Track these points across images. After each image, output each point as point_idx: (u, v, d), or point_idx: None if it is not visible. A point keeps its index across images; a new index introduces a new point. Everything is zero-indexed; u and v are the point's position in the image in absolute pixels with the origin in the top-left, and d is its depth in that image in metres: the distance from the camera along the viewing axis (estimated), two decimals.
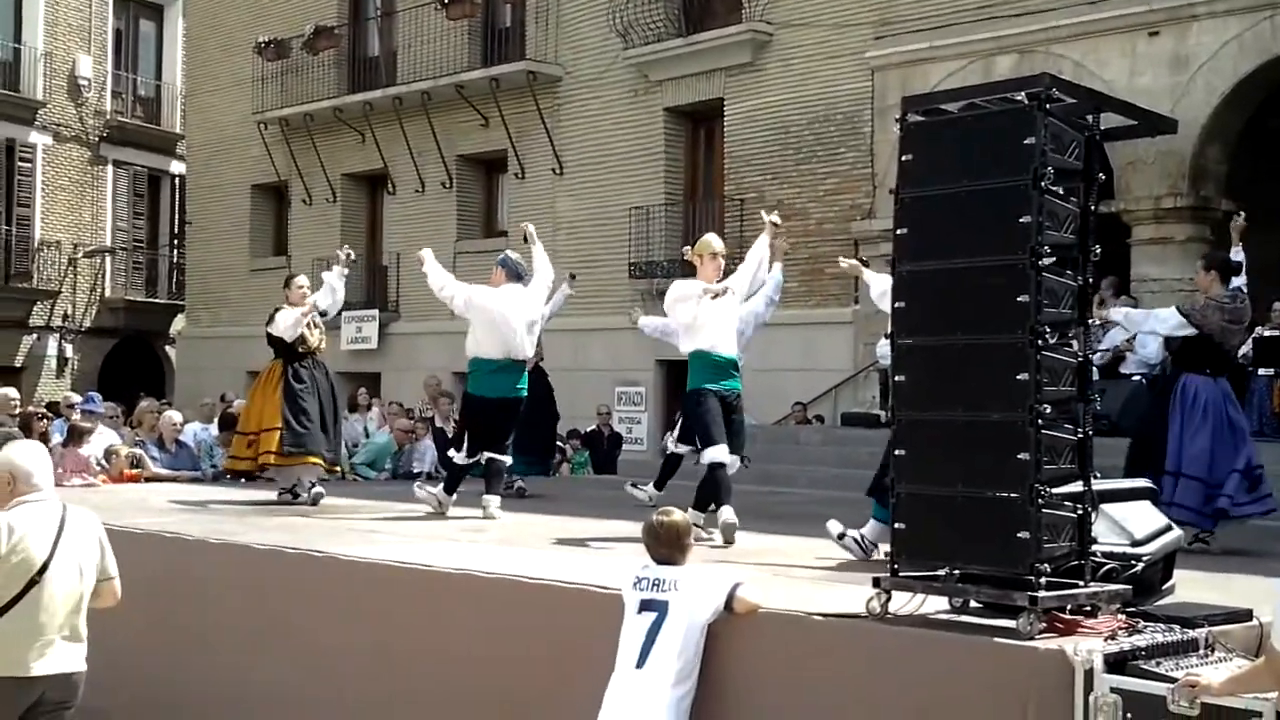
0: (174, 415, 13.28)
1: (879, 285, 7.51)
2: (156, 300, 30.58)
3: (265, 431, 10.23)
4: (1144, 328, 8.90)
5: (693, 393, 8.26)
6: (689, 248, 8.84)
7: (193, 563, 7.82)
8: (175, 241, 30.81)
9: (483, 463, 9.58)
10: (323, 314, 10.59)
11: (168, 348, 29.94)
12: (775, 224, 9.04)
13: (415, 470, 13.82)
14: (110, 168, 29.98)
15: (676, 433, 9.84)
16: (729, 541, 7.74)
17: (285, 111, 24.28)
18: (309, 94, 24.00)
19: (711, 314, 8.24)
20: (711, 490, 8.06)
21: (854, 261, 9.10)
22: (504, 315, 9.44)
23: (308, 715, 6.86)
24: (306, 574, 7.15)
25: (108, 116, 29.72)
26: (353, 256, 10.82)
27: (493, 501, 9.36)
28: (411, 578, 6.64)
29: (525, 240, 10.19)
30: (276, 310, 10.48)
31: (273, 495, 10.44)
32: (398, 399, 17.80)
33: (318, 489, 10.16)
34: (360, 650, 6.69)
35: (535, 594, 6.05)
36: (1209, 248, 14.57)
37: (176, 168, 30.30)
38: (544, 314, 10.56)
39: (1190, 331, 8.41)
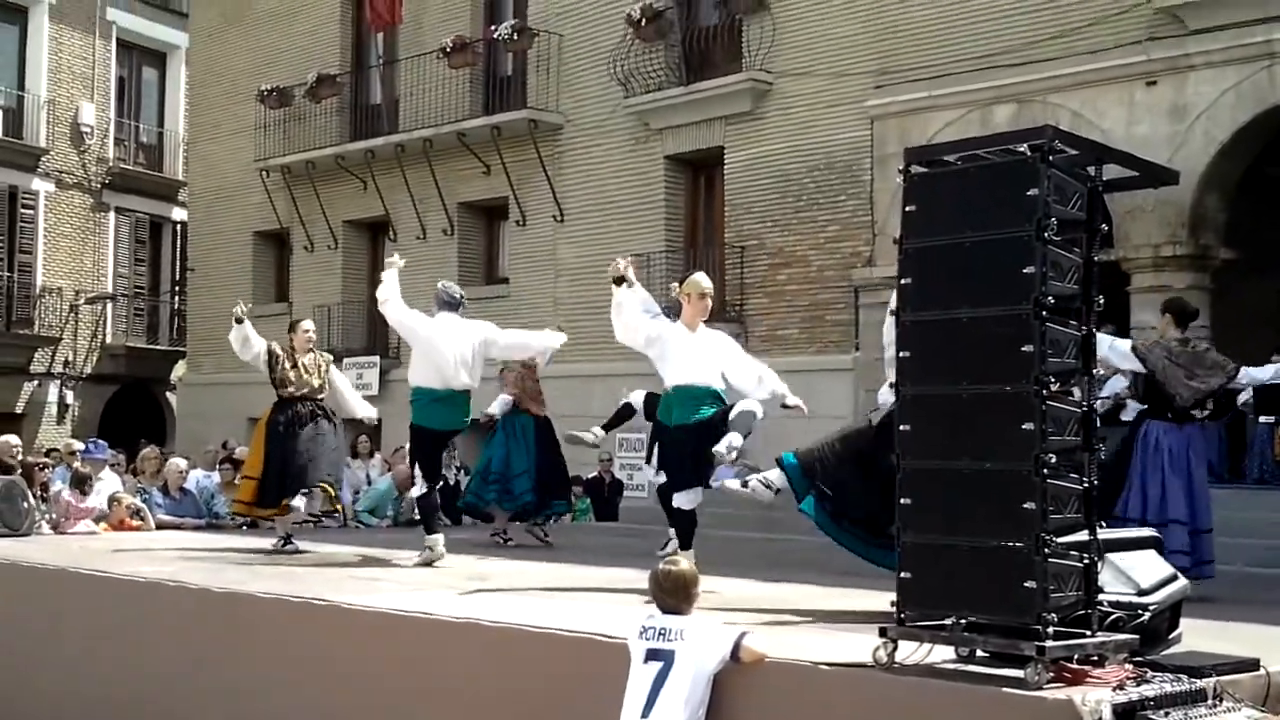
0: (179, 462, 13.31)
1: None
2: (158, 347, 30.62)
3: (244, 479, 10.28)
4: (1101, 352, 8.83)
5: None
6: (676, 284, 8.78)
7: (195, 612, 7.80)
8: (176, 288, 30.87)
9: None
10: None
11: (169, 394, 29.93)
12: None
13: (417, 517, 13.78)
14: (112, 214, 30.10)
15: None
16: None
17: (287, 159, 24.38)
18: (311, 141, 24.11)
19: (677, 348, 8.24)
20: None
21: None
22: (432, 341, 9.40)
23: None
24: (310, 623, 7.13)
25: (110, 163, 29.86)
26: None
27: (437, 541, 9.33)
28: (415, 626, 6.63)
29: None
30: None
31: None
32: (399, 445, 17.77)
33: (290, 541, 10.25)
34: (363, 699, 6.67)
35: (540, 643, 6.04)
36: (1209, 296, 14.64)
37: (178, 214, 30.41)
38: (540, 365, 11.12)
39: (1136, 366, 8.48)
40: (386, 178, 22.81)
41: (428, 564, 9.19)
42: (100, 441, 12.80)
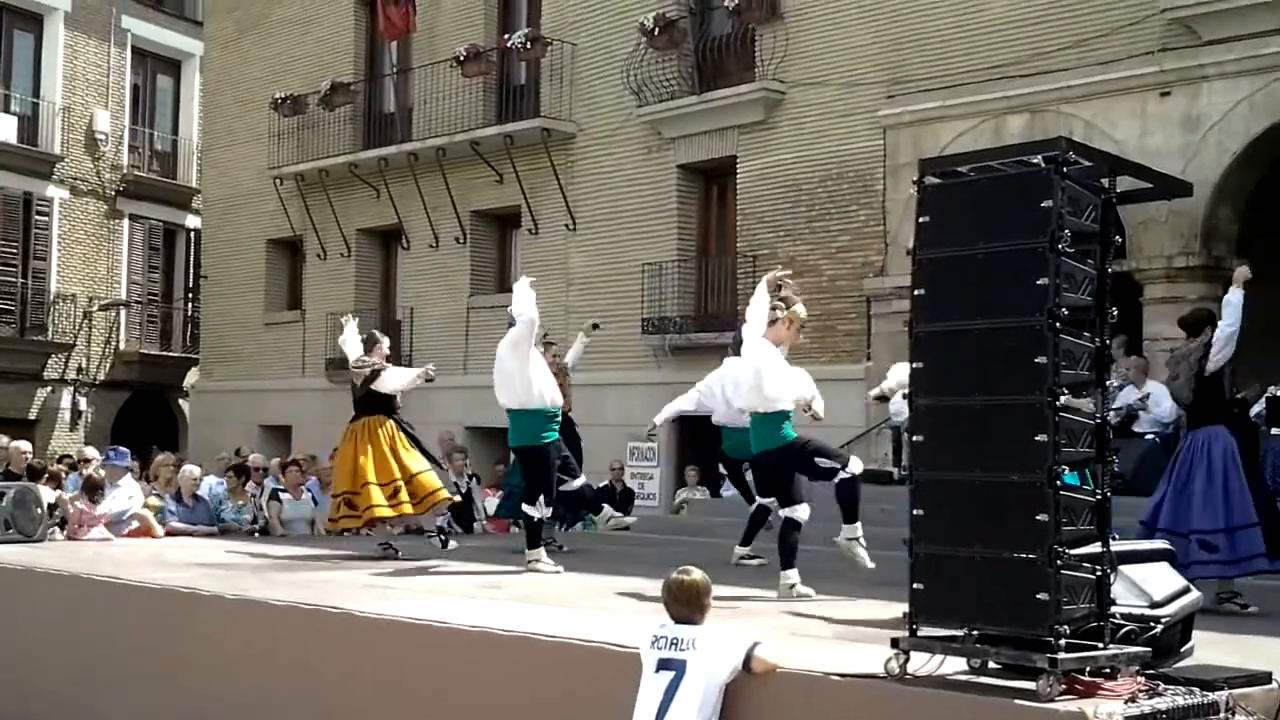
0: (193, 469, 13.35)
1: None
2: (170, 354, 30.70)
3: (406, 480, 10.39)
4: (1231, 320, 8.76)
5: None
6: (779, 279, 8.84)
7: (208, 619, 7.83)
8: (190, 295, 30.97)
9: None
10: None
11: (181, 401, 30.02)
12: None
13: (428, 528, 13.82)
14: (126, 221, 30.19)
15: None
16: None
17: (301, 167, 24.44)
18: (325, 150, 24.17)
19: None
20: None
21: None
22: (545, 367, 9.73)
23: None
24: (323, 630, 7.15)
25: (124, 171, 29.96)
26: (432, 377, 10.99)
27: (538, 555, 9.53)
28: (428, 635, 6.66)
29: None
30: (370, 368, 10.53)
31: (288, 550, 10.49)
32: None
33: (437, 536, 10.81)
34: (375, 707, 6.69)
35: (552, 652, 6.06)
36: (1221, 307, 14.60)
37: (192, 222, 30.50)
38: (570, 363, 11.47)
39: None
40: (400, 186, 22.86)
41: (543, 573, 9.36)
42: (122, 449, 12.82)
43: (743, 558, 9.85)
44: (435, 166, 22.10)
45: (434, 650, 6.58)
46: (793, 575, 8.11)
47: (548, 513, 9.67)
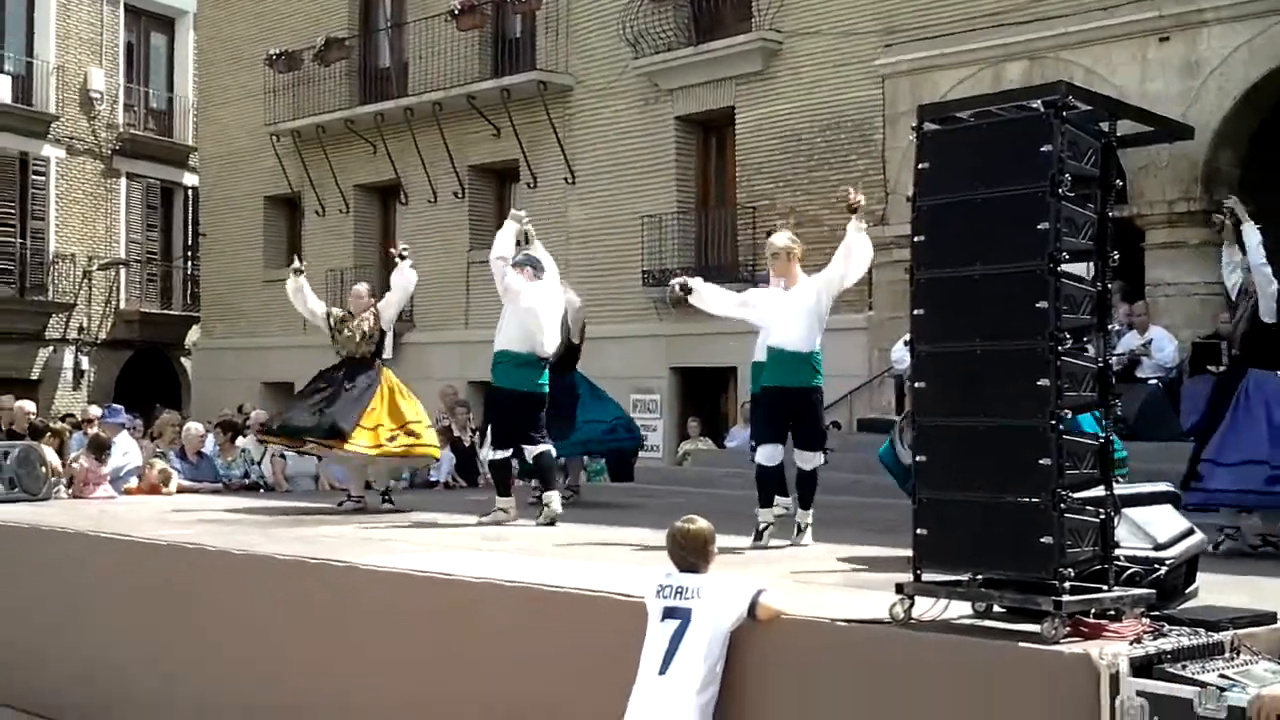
0: (197, 427, 13.38)
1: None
2: (171, 312, 30.69)
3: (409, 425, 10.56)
4: (1256, 260, 8.60)
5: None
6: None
7: (215, 574, 7.86)
8: (189, 253, 30.93)
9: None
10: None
11: (184, 359, 30.04)
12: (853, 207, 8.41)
13: (432, 479, 13.89)
14: (123, 180, 30.11)
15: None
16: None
17: (297, 123, 24.36)
18: (320, 105, 24.08)
19: (772, 309, 8.28)
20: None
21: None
22: (536, 311, 9.49)
23: None
24: (328, 584, 7.18)
25: (120, 129, 29.85)
26: (405, 251, 11.03)
27: (553, 498, 9.45)
28: (432, 587, 6.67)
29: (526, 241, 10.14)
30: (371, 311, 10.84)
31: (293, 503, 10.55)
32: None
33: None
34: (381, 660, 6.73)
35: (558, 602, 6.08)
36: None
37: (189, 180, 30.42)
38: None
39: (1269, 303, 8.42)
40: (396, 141, 22.78)
41: (497, 524, 9.32)
42: (117, 406, 12.85)
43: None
44: (432, 121, 22.01)
45: (438, 602, 6.59)
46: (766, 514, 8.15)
47: (499, 456, 9.62)
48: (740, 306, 8.60)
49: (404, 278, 10.92)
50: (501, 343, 9.56)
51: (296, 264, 10.99)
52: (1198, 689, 4.15)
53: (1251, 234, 8.48)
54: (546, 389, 9.66)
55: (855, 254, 8.09)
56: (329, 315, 10.84)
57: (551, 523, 9.24)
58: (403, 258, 10.90)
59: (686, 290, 8.48)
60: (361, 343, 10.72)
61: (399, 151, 22.80)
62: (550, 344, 9.59)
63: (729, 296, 8.71)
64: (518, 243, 9.93)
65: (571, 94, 20.82)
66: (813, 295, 8.15)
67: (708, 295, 8.52)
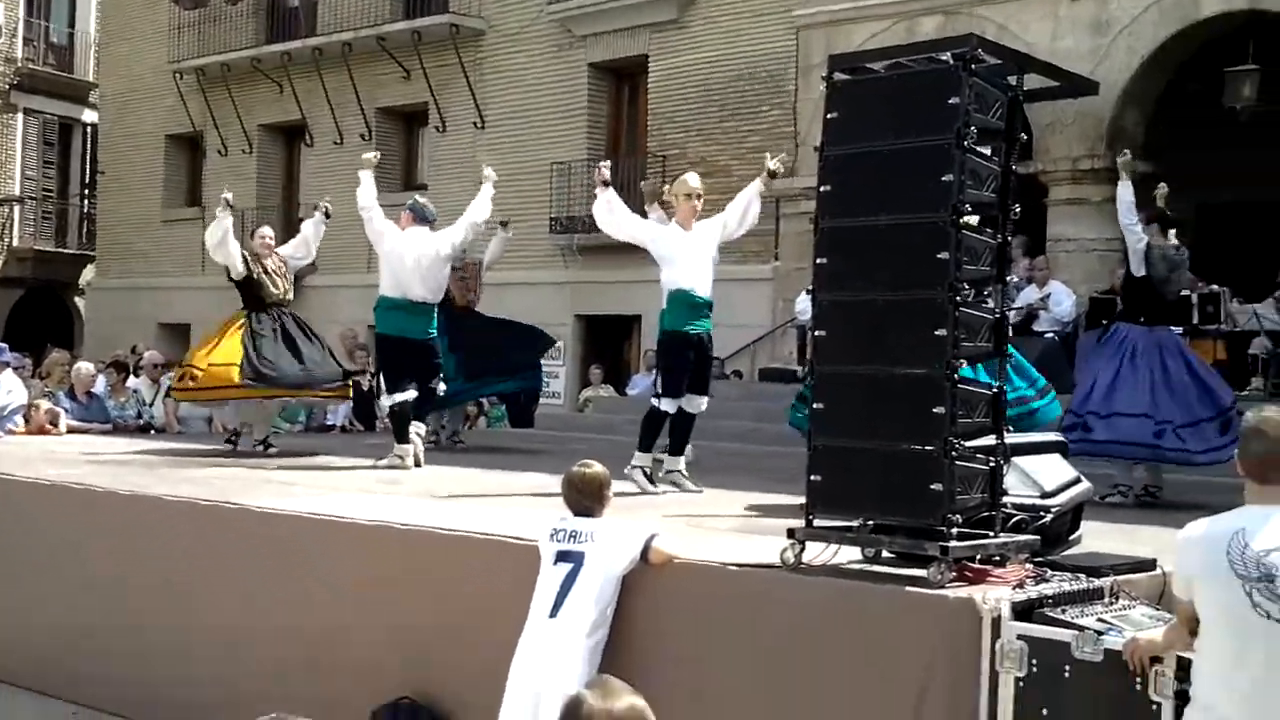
0: (87, 366, 13.07)
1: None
2: (66, 250, 30.00)
3: (221, 366, 10.19)
4: (1125, 220, 8.78)
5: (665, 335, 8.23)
6: (665, 186, 8.70)
7: (101, 515, 7.70)
8: (86, 191, 30.20)
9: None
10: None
11: (77, 299, 29.40)
12: (774, 173, 8.46)
13: (329, 423, 13.76)
14: (20, 116, 29.31)
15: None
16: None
17: (202, 61, 23.88)
18: (226, 44, 23.61)
19: (681, 250, 8.20)
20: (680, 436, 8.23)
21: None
22: (401, 256, 9.50)
23: (218, 669, 6.79)
24: (220, 526, 7.06)
25: (19, 64, 29.03)
26: (329, 209, 10.79)
27: (405, 451, 9.36)
28: (327, 530, 6.59)
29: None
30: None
31: (185, 445, 10.36)
32: None
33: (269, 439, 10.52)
34: (273, 602, 6.64)
35: (451, 545, 6.04)
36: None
37: (89, 116, 29.67)
38: (484, 261, 11.41)
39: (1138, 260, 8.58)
40: (304, 81, 22.41)
41: (392, 468, 9.23)
42: (2, 345, 12.48)
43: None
44: (340, 62, 21.67)
45: (333, 545, 6.51)
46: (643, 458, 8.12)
47: (397, 400, 9.52)
48: (644, 231, 8.47)
49: (316, 231, 10.70)
50: (381, 289, 9.61)
51: (228, 195, 10.57)
52: (1075, 633, 4.21)
53: (1125, 191, 8.61)
54: (428, 334, 9.63)
55: (751, 213, 8.33)
56: (245, 259, 10.43)
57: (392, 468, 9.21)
58: (328, 216, 10.67)
59: (605, 183, 8.42)
60: (289, 288, 10.56)
61: (306, 92, 22.43)
62: (422, 289, 9.54)
63: (637, 220, 8.63)
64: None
65: (483, 38, 20.58)
66: (713, 241, 8.26)
67: (618, 206, 8.47)
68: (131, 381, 13.21)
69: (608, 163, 8.57)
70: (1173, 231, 8.97)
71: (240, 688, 6.48)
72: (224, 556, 6.99)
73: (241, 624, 6.79)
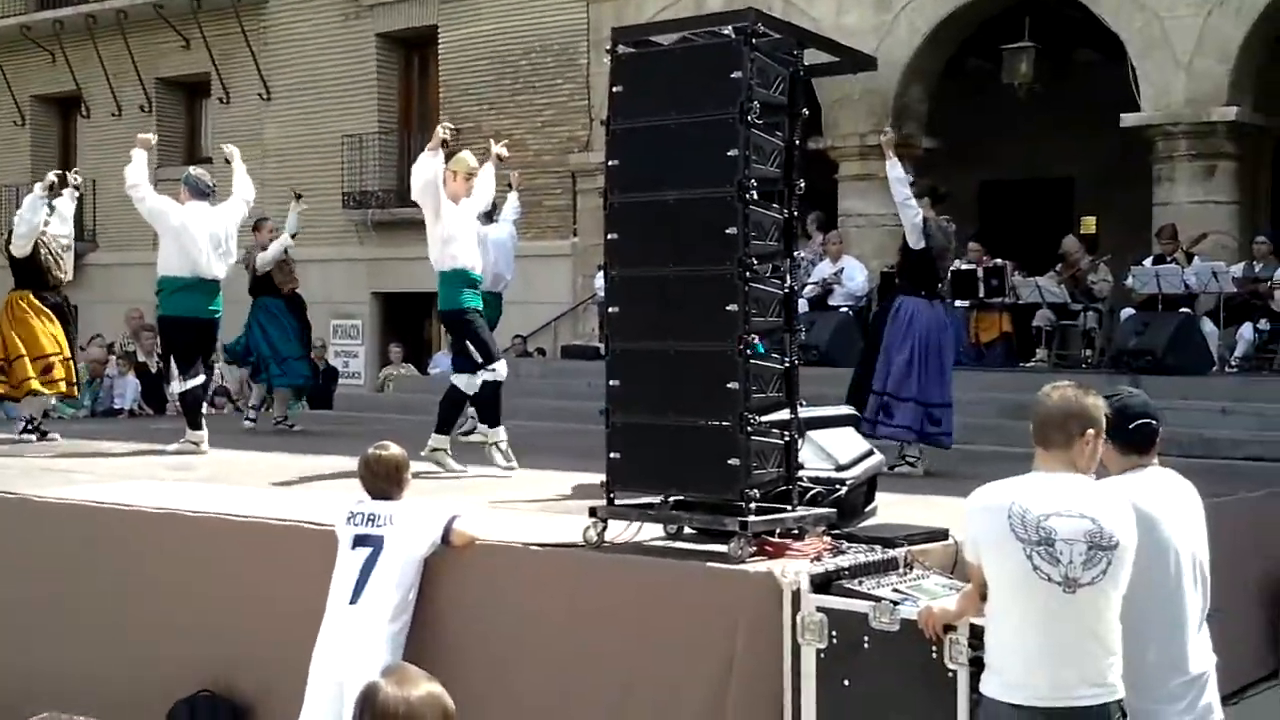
0: None
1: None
2: None
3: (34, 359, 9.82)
4: (900, 196, 8.89)
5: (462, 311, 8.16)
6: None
7: None
8: None
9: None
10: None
11: None
12: (501, 157, 8.80)
13: (116, 406, 13.29)
14: None
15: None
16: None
17: None
18: None
19: (465, 230, 8.17)
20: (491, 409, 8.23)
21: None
22: (186, 228, 9.18)
23: (2, 669, 6.51)
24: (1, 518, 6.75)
25: None
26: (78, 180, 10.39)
27: (200, 438, 9.13)
28: (113, 518, 6.36)
29: (226, 162, 10.01)
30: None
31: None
32: (97, 332, 17.00)
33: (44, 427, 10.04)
34: (55, 598, 6.38)
35: (244, 532, 5.89)
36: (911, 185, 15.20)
37: None
38: (284, 238, 11.26)
39: (919, 239, 8.76)
40: (78, 50, 21.56)
41: (183, 454, 8.98)
42: None
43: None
44: (116, 30, 20.91)
45: (120, 535, 6.29)
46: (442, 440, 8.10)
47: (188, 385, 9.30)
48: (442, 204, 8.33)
49: (63, 204, 10.28)
50: (161, 269, 9.27)
51: (74, 179, 10.28)
52: (872, 604, 4.31)
53: (893, 169, 8.80)
54: (213, 312, 9.37)
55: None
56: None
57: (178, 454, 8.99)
58: (77, 189, 10.29)
59: (452, 132, 8.42)
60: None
61: (80, 61, 21.58)
62: (218, 265, 9.31)
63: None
64: None
65: (266, 6, 20.06)
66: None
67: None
68: None
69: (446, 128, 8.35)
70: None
71: (31, 689, 6.19)
72: (2, 550, 6.68)
73: (21, 622, 6.51)
